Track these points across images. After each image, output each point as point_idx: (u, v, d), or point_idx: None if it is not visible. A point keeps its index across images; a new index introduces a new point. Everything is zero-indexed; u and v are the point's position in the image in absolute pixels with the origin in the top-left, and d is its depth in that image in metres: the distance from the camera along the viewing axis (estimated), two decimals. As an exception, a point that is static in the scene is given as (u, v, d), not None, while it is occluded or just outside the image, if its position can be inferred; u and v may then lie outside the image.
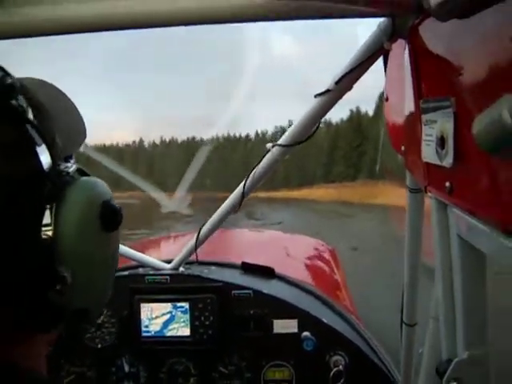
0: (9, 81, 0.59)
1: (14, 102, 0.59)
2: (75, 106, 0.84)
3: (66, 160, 0.76)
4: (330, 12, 1.08)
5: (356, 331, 2.16)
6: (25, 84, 0.65)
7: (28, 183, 0.59)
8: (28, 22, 1.17)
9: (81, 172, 0.73)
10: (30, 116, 0.61)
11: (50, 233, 0.60)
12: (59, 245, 0.61)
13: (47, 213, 0.60)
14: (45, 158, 0.61)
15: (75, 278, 0.62)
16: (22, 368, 0.64)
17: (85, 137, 0.84)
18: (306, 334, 2.08)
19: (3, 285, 0.58)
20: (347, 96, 1.33)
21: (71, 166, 0.69)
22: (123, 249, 2.22)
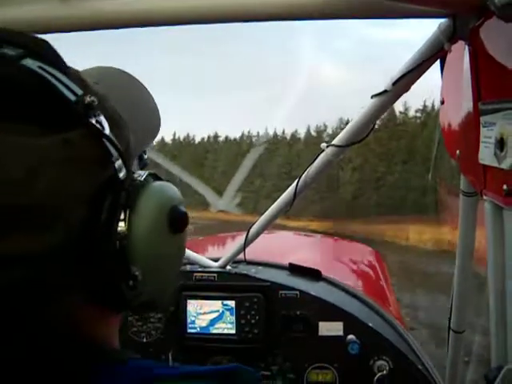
0: (87, 100, 0.61)
1: (92, 120, 0.61)
2: (151, 97, 0.90)
3: (141, 157, 0.85)
4: (390, 11, 1.08)
5: (401, 337, 2.13)
6: (102, 95, 0.68)
7: (106, 195, 0.64)
8: (92, 16, 1.22)
9: (152, 175, 0.77)
10: (107, 131, 0.63)
11: (124, 236, 0.66)
12: (132, 247, 0.67)
13: (122, 217, 0.66)
14: (120, 168, 0.65)
15: (145, 275, 0.68)
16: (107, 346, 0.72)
17: (159, 128, 0.91)
18: (351, 337, 2.07)
19: (86, 276, 0.64)
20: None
21: (143, 174, 0.74)
22: None
